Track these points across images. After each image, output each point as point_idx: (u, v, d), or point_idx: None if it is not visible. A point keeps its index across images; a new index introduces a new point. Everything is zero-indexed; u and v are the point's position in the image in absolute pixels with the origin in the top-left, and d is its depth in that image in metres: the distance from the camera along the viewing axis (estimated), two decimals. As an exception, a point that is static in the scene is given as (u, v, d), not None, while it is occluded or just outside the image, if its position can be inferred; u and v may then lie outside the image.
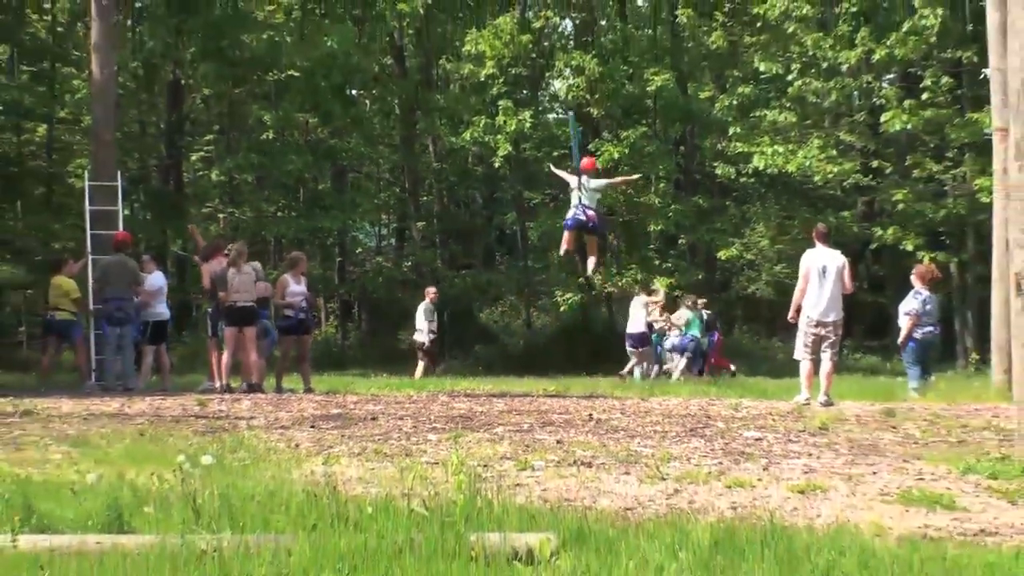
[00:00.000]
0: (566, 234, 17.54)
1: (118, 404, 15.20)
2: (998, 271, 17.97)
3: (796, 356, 16.24)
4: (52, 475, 8.45)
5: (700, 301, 28.41)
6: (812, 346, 15.85)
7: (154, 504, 6.77)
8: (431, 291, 26.39)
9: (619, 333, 39.13)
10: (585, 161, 17.77)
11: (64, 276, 20.43)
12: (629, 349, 26.96)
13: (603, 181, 18.68)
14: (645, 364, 26.75)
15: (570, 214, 17.30)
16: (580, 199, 17.10)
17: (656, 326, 27.25)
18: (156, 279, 20.63)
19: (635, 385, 23.67)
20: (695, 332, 26.96)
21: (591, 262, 18.72)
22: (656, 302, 27.35)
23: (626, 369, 26.58)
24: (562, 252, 18.62)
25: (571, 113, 24.33)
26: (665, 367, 27.29)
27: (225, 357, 18.55)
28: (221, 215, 39.66)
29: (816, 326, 15.82)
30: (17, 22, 38.57)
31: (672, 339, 27.34)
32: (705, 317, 28.42)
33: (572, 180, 17.52)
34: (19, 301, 41.46)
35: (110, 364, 19.87)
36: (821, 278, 15.86)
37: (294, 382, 19.66)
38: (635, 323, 26.83)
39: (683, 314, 27.35)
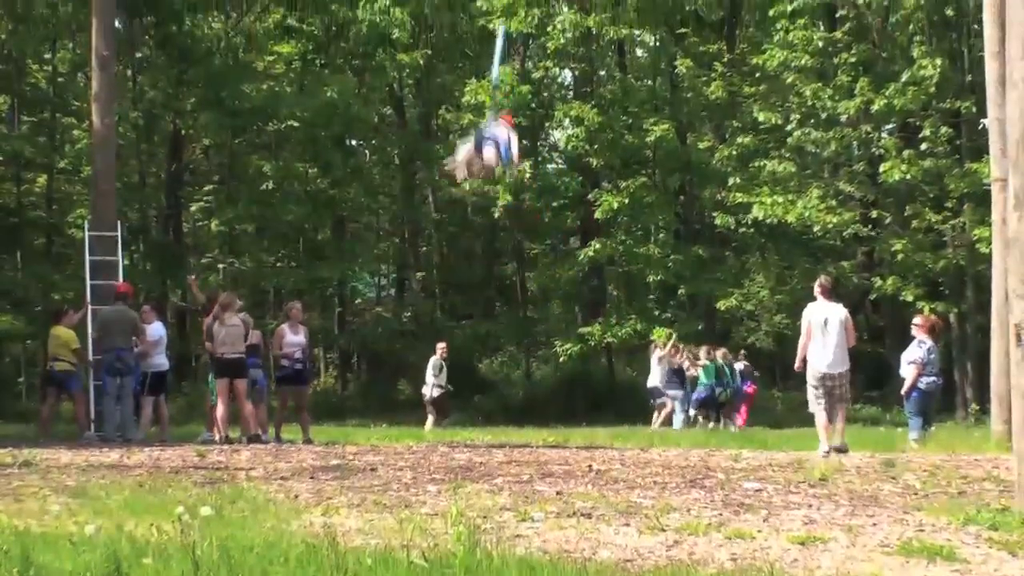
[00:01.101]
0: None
1: (117, 455, 15.17)
2: (998, 322, 17.95)
3: (810, 409, 16.26)
4: (51, 527, 8.42)
5: (720, 351, 28.61)
6: (823, 398, 15.87)
7: (153, 556, 6.74)
8: (441, 346, 26.40)
9: (619, 384, 39.27)
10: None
11: (64, 326, 20.42)
12: (651, 401, 27.40)
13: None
14: (680, 411, 26.96)
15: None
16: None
17: (687, 372, 27.46)
18: (156, 329, 20.60)
19: (675, 433, 23.74)
20: (709, 381, 27.14)
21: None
22: (665, 355, 27.46)
23: (655, 423, 26.74)
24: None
25: (502, 27, 23.03)
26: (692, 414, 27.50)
27: (219, 409, 18.52)
28: (221, 265, 39.72)
29: (824, 379, 15.85)
30: (18, 72, 38.74)
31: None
32: (736, 367, 28.67)
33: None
34: (19, 352, 41.45)
35: (109, 415, 19.81)
36: (824, 331, 15.88)
37: (293, 432, 19.62)
38: (652, 376, 27.15)
39: (701, 364, 27.54)
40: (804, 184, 35.25)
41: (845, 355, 15.99)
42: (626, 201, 36.35)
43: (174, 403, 27.06)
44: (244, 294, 28.21)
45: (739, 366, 29.41)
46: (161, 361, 20.54)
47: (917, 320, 19.47)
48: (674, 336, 29.43)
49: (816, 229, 34.94)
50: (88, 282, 22.85)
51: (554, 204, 41.06)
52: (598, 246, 37.05)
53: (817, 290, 16.51)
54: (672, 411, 26.86)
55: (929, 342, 18.42)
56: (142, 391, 20.04)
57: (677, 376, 27.10)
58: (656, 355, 27.33)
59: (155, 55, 39.21)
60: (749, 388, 29.64)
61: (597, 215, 37.07)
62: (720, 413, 27.88)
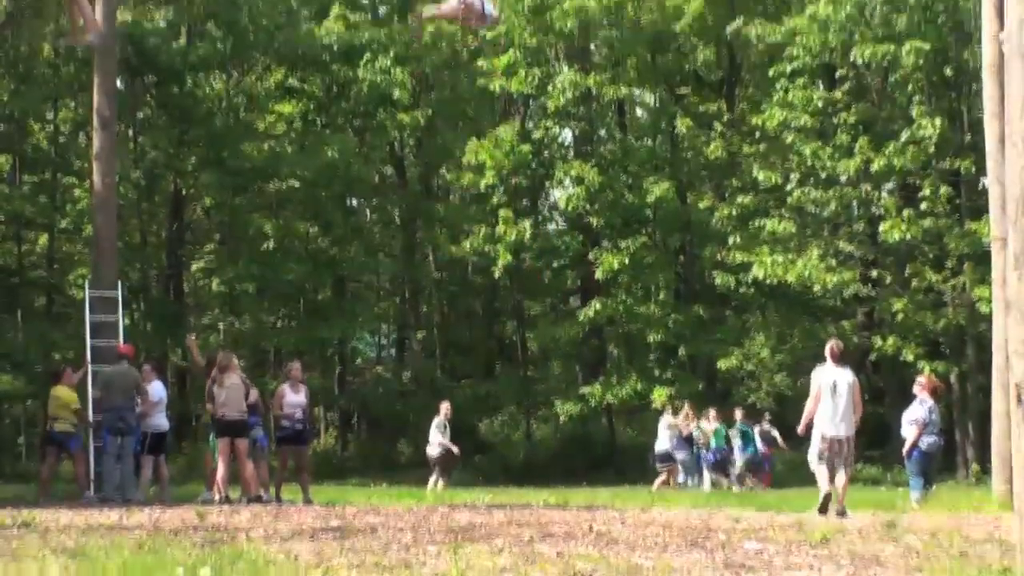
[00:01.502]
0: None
1: (117, 516, 15.11)
2: (998, 382, 17.95)
3: (812, 468, 16.26)
4: (50, 588, 8.38)
5: (739, 412, 28.75)
6: (826, 459, 15.90)
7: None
8: (445, 406, 26.37)
9: (619, 445, 39.21)
10: None
11: (64, 386, 20.39)
12: (657, 465, 27.38)
13: None
14: (685, 476, 27.02)
15: None
16: None
17: (697, 438, 27.55)
18: (156, 389, 20.60)
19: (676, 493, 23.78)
20: (719, 445, 27.22)
21: None
22: (678, 424, 27.53)
23: (655, 485, 26.76)
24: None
25: None
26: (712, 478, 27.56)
27: (220, 470, 18.48)
28: (221, 325, 39.73)
29: (831, 443, 15.88)
30: (19, 132, 38.87)
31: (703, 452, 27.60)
32: (757, 429, 28.73)
33: None
34: (18, 412, 41.39)
35: (109, 475, 19.75)
36: (833, 395, 15.91)
37: (293, 493, 19.57)
38: (660, 441, 27.23)
39: (707, 427, 27.58)
40: (804, 243, 35.31)
41: (851, 420, 16.03)
42: (626, 261, 36.42)
43: (174, 463, 27.00)
44: (244, 354, 28.19)
45: (760, 428, 29.46)
46: (161, 421, 20.52)
47: (920, 380, 19.50)
48: (687, 405, 29.44)
49: (816, 289, 34.97)
50: (88, 342, 22.83)
51: (554, 264, 41.12)
52: (598, 306, 37.07)
53: (827, 353, 16.54)
54: (676, 476, 26.93)
55: (930, 402, 18.45)
56: (142, 451, 20.01)
57: (686, 440, 27.20)
58: (666, 421, 27.39)
59: (156, 115, 39.34)
60: (766, 450, 29.62)
61: (597, 275, 37.15)
62: (736, 475, 27.93)
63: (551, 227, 43.55)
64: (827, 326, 36.16)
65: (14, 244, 39.45)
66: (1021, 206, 7.60)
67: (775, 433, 29.86)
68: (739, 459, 28.12)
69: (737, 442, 28.33)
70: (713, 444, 27.47)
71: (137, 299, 38.74)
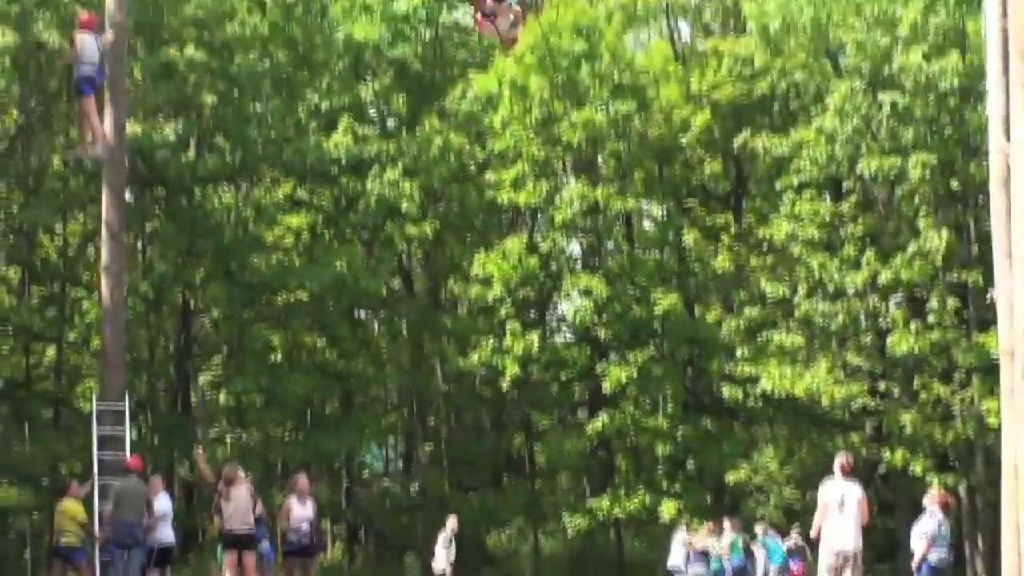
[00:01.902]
0: None
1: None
2: (1008, 496, 17.80)
3: None
4: None
5: (760, 526, 28.61)
6: (835, 573, 15.87)
7: None
8: (451, 521, 26.27)
9: (627, 559, 38.97)
10: None
11: (70, 499, 20.33)
12: None
13: None
14: None
15: None
16: None
17: (713, 553, 27.43)
18: (163, 503, 20.54)
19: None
20: (738, 557, 27.08)
21: None
22: (692, 541, 27.49)
23: None
24: None
25: None
26: None
27: (226, 585, 18.40)
28: (228, 437, 39.62)
29: (839, 556, 15.84)
30: (28, 245, 39.03)
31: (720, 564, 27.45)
32: (787, 544, 28.56)
33: None
34: (24, 526, 41.14)
35: (116, 587, 19.68)
36: (840, 509, 15.90)
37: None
38: (673, 556, 27.21)
39: (726, 537, 27.44)
40: (812, 356, 35.32)
41: (859, 534, 16.04)
42: (634, 373, 36.39)
43: (179, 575, 26.80)
44: (252, 466, 28.06)
45: (789, 542, 29.27)
46: (167, 535, 20.47)
47: (931, 493, 19.42)
48: (707, 525, 29.32)
49: (824, 401, 34.91)
50: (95, 455, 22.80)
51: (562, 376, 41.03)
52: (606, 418, 37.00)
53: (836, 468, 16.53)
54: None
55: (940, 515, 18.35)
56: (148, 564, 19.91)
57: (702, 555, 27.07)
58: (680, 538, 27.31)
59: (165, 227, 39.45)
60: (797, 568, 29.40)
61: (605, 387, 37.09)
62: None
63: (559, 339, 43.49)
64: (835, 439, 36.08)
65: (22, 356, 39.38)
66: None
67: (806, 547, 29.67)
68: (771, 572, 27.92)
69: (761, 555, 28.13)
70: (732, 556, 27.30)
71: (144, 411, 38.62)
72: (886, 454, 33.90)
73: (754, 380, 34.88)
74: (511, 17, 16.03)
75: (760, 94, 38.79)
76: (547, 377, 40.28)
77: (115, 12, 27.22)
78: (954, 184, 34.76)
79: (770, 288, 35.75)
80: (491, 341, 37.49)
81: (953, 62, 32.77)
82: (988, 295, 26.13)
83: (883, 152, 33.97)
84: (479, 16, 16.41)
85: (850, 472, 16.32)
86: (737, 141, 37.08)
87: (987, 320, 30.03)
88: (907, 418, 33.39)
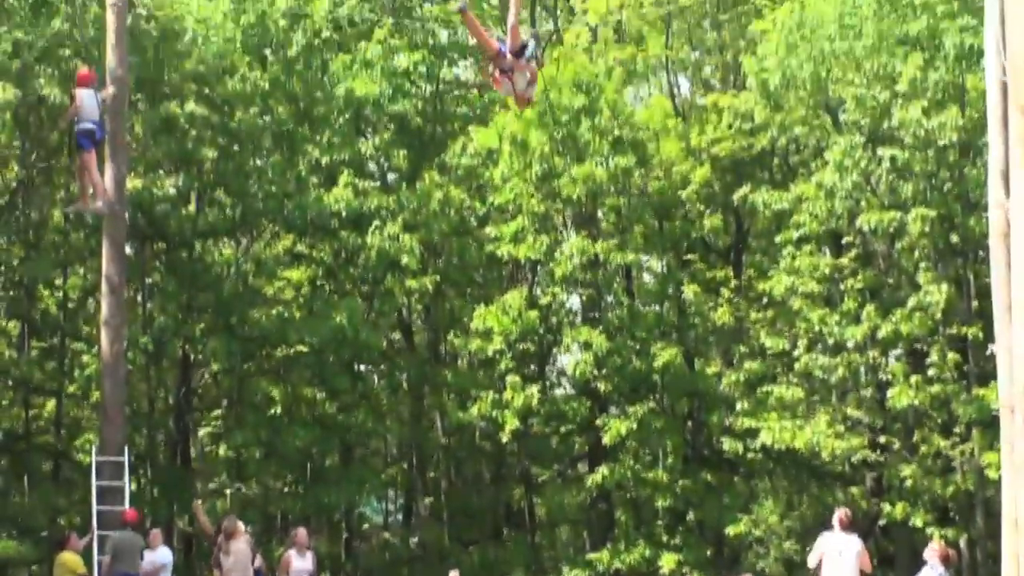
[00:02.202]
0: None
1: None
2: (1008, 549, 17.79)
3: None
4: None
5: None
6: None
7: None
8: (453, 574, 26.28)
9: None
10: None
11: (69, 552, 20.34)
12: None
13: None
14: None
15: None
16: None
17: None
18: (162, 555, 20.55)
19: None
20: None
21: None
22: None
23: None
24: None
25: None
26: None
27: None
28: (228, 490, 39.55)
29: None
30: (28, 298, 39.12)
31: None
32: None
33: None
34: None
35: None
36: (838, 559, 15.92)
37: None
38: None
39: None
40: (812, 409, 35.33)
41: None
42: (634, 426, 36.38)
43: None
44: (252, 519, 28.04)
45: None
46: (167, 588, 20.43)
47: (932, 546, 19.42)
48: None
49: (824, 455, 34.90)
50: (95, 507, 22.81)
51: (562, 429, 41.02)
52: (606, 471, 36.96)
53: (835, 521, 16.57)
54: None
55: (941, 568, 18.33)
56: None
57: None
58: None
59: (165, 281, 39.55)
60: None
61: (605, 440, 37.07)
62: None
63: (559, 392, 43.51)
64: (836, 492, 36.04)
65: (21, 409, 39.43)
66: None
67: None
68: None
69: None
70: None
71: (144, 464, 38.60)
72: (886, 507, 33.85)
73: (754, 433, 34.88)
74: (527, 75, 16.08)
75: (760, 149, 38.99)
76: (547, 430, 40.28)
77: (116, 67, 27.46)
78: (954, 238, 34.85)
79: (770, 342, 35.80)
80: (491, 394, 37.49)
81: (952, 117, 32.92)
82: (988, 349, 26.24)
83: (883, 207, 34.10)
84: (497, 74, 16.35)
85: (849, 526, 16.34)
86: (737, 195, 37.25)
87: (987, 374, 30.01)
88: (907, 471, 33.37)
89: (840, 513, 16.70)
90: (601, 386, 37.89)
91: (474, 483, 47.38)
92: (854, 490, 37.03)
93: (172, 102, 36.95)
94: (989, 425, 29.55)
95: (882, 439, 35.08)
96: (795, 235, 35.65)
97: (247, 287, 39.28)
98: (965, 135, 33.19)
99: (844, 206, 34.67)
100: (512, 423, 36.85)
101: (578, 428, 40.60)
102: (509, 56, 15.60)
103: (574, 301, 44.15)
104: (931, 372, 33.27)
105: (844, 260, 35.67)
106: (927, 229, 33.57)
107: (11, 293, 39.14)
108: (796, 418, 34.56)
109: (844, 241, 36.49)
